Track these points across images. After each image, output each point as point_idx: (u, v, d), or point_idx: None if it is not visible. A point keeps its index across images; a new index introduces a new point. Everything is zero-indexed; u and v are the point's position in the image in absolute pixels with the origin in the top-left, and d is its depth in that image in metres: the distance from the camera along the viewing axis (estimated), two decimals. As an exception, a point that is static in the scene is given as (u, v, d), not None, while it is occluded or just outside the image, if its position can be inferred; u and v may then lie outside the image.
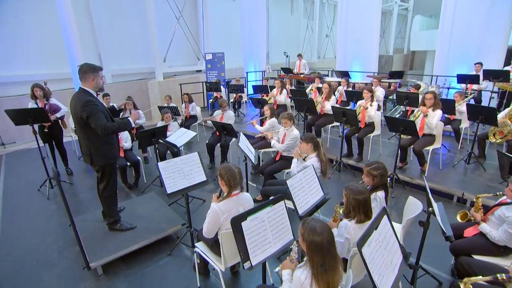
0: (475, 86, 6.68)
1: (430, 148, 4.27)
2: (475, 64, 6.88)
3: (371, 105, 4.85)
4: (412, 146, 4.31)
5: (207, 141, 5.27)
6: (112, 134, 2.79)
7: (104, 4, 9.14)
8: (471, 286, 1.64)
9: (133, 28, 9.85)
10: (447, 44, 8.12)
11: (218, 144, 5.14)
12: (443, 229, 2.12)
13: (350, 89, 7.05)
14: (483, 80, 6.42)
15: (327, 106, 5.24)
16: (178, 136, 3.85)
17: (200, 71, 11.38)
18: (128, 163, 4.47)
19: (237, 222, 1.88)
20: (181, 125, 6.67)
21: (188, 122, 6.76)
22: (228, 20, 12.00)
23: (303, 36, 16.22)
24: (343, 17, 10.23)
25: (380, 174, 2.45)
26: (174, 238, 3.36)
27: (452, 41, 8.02)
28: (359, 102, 5.07)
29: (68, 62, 8.09)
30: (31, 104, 4.65)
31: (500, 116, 4.34)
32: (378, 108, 6.30)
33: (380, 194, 2.47)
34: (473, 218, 2.53)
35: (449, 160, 4.90)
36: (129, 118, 2.83)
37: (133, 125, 2.86)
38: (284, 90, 6.75)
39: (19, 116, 4.18)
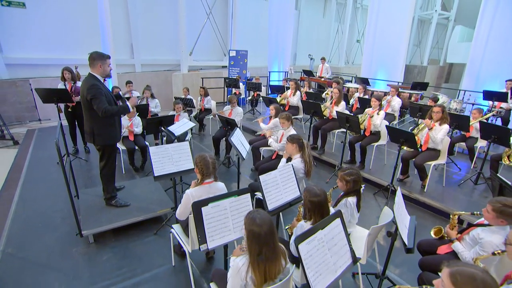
0: (503, 105, 6.25)
1: (433, 163, 4.13)
2: (506, 81, 6.43)
3: (378, 113, 4.75)
4: (413, 159, 4.20)
5: (213, 135, 5.48)
6: (111, 116, 3.05)
7: (140, -3, 9.73)
8: None
9: (166, 21, 10.35)
10: (479, 58, 7.65)
11: (224, 138, 5.33)
12: (404, 241, 2.11)
13: (367, 96, 6.91)
14: (511, 98, 6.00)
15: (333, 112, 5.21)
16: (178, 125, 4.09)
17: (226, 66, 11.67)
18: (136, 147, 4.80)
19: (198, 206, 2.03)
20: (195, 117, 7.00)
21: (203, 114, 7.04)
22: (256, 19, 12.17)
23: (332, 40, 15.97)
24: (372, 23, 9.97)
25: (353, 180, 2.47)
26: (164, 219, 3.59)
27: (485, 55, 7.54)
28: (366, 110, 5.00)
29: (101, 50, 8.72)
30: (60, 85, 5.14)
31: (515, 137, 4.09)
32: (393, 118, 6.15)
33: (351, 200, 2.50)
34: (446, 235, 2.47)
35: (456, 179, 4.69)
36: (127, 103, 3.09)
37: (131, 109, 3.11)
38: (298, 92, 6.77)
39: (46, 95, 4.66)
